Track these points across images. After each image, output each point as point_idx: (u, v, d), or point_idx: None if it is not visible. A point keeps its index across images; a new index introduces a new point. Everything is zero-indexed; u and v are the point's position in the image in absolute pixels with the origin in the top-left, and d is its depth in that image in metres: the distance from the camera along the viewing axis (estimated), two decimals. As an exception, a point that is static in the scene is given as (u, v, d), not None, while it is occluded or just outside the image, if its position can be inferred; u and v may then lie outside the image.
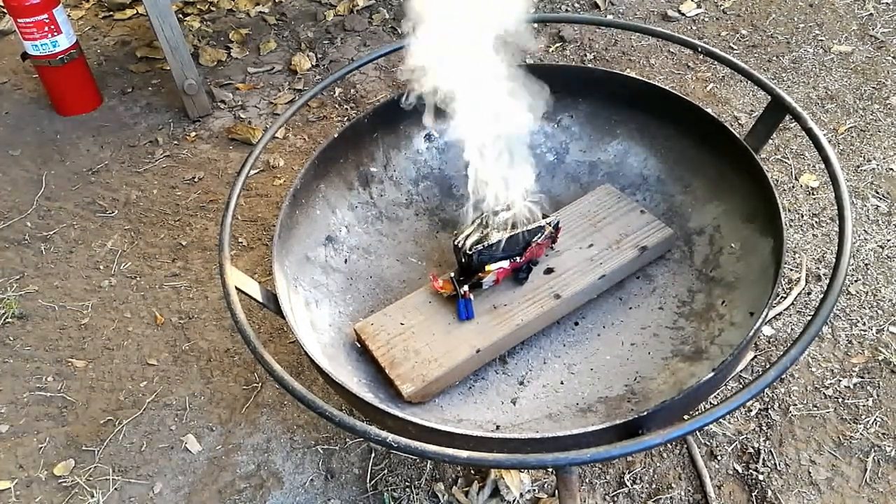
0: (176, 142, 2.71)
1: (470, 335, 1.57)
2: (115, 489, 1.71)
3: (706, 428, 1.70)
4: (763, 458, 1.63)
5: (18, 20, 2.59)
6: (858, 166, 2.27)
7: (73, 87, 2.82)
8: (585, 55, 2.85)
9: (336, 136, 1.80)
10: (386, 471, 1.69)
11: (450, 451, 1.07)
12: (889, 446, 1.62)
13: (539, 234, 1.62)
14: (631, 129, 1.92)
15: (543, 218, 1.64)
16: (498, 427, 1.46)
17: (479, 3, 1.35)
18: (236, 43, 3.18)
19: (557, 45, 2.93)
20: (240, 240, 2.30)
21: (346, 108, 2.78)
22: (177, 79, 2.65)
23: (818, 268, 2.01)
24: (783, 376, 1.76)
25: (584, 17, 1.86)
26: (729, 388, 1.79)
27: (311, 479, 1.69)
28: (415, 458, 1.69)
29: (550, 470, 1.62)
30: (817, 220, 2.14)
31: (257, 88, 2.94)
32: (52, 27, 2.62)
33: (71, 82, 2.80)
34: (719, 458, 1.65)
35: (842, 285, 1.18)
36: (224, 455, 1.76)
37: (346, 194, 1.88)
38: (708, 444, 1.67)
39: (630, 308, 1.70)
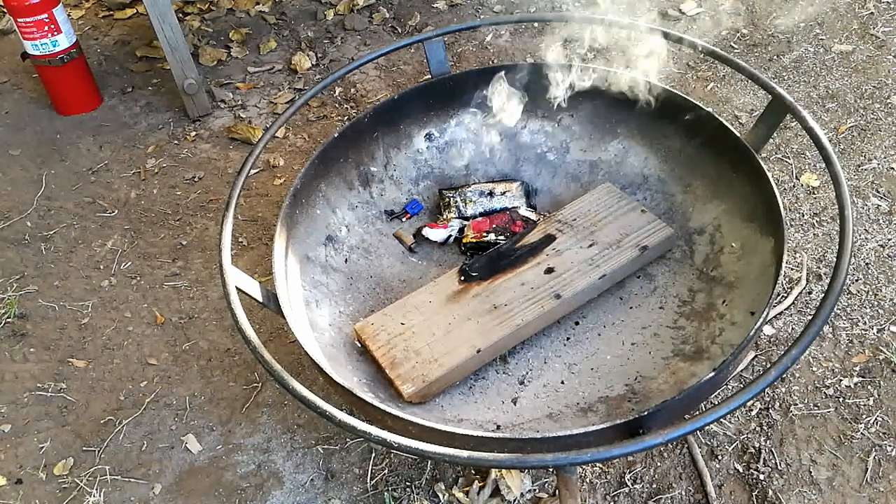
0: (176, 141, 2.71)
1: (470, 335, 1.57)
2: (116, 489, 1.71)
3: (707, 427, 1.69)
4: (764, 458, 1.63)
5: (18, 20, 2.59)
6: (859, 165, 2.27)
7: (73, 87, 2.82)
8: (586, 54, 2.85)
9: (336, 135, 1.80)
10: (386, 471, 1.69)
11: (450, 450, 1.07)
12: (890, 446, 1.62)
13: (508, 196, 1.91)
14: (631, 129, 1.92)
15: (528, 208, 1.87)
16: (498, 427, 1.46)
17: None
18: (236, 42, 3.18)
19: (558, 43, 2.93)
20: (240, 239, 2.29)
21: (347, 108, 2.78)
22: (177, 78, 2.65)
23: (819, 267, 2.01)
24: (784, 376, 1.76)
25: (585, 17, 1.86)
26: (729, 387, 1.78)
27: (312, 479, 1.69)
28: (415, 458, 1.69)
29: (551, 470, 1.62)
30: (818, 219, 2.13)
31: (257, 88, 2.93)
32: (52, 27, 2.62)
33: (71, 82, 2.80)
34: (720, 457, 1.65)
35: (843, 285, 1.17)
36: (224, 455, 1.76)
37: (346, 194, 1.88)
38: (709, 443, 1.67)
39: (631, 308, 1.69)
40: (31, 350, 2.03)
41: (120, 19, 3.43)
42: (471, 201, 1.91)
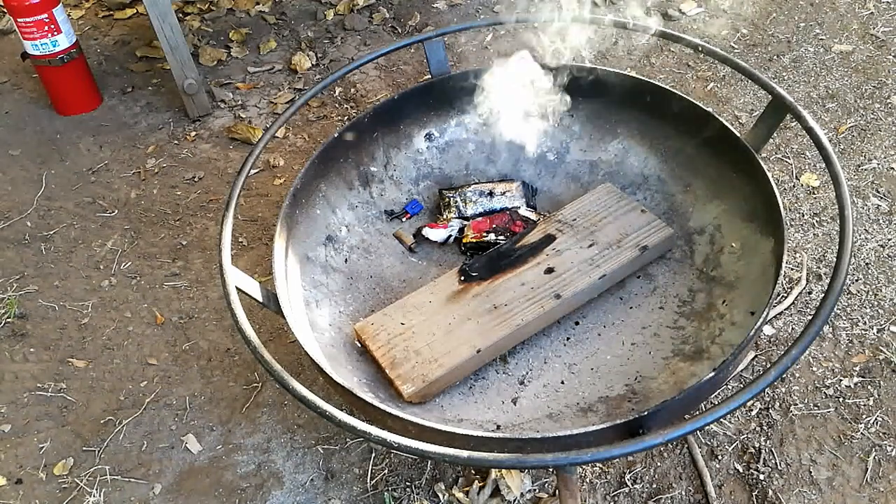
0: (176, 141, 2.71)
1: (470, 335, 1.57)
2: (116, 489, 1.71)
3: (707, 427, 1.69)
4: (764, 458, 1.63)
5: (18, 20, 2.59)
6: (859, 165, 2.27)
7: (73, 87, 2.82)
8: (587, 55, 2.85)
9: (336, 135, 1.80)
10: (386, 471, 1.69)
11: (450, 451, 1.07)
12: (890, 445, 1.62)
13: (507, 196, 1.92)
14: (631, 129, 1.92)
15: (528, 207, 1.88)
16: (498, 427, 1.46)
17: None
18: (236, 42, 3.18)
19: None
20: (240, 239, 2.29)
21: (347, 108, 2.78)
22: (177, 78, 2.65)
23: (819, 267, 2.01)
24: (784, 376, 1.76)
25: (584, 17, 1.86)
26: (729, 387, 1.78)
27: (312, 479, 1.69)
28: (415, 458, 1.69)
29: (551, 470, 1.62)
30: (818, 219, 2.13)
31: (257, 88, 2.93)
32: (52, 27, 2.62)
33: (71, 82, 2.80)
34: (720, 457, 1.65)
35: (843, 285, 1.17)
36: (224, 455, 1.76)
37: (346, 194, 1.88)
38: (709, 443, 1.67)
39: (631, 308, 1.69)
40: (31, 350, 2.03)
41: (120, 19, 3.43)
42: (471, 201, 1.91)
